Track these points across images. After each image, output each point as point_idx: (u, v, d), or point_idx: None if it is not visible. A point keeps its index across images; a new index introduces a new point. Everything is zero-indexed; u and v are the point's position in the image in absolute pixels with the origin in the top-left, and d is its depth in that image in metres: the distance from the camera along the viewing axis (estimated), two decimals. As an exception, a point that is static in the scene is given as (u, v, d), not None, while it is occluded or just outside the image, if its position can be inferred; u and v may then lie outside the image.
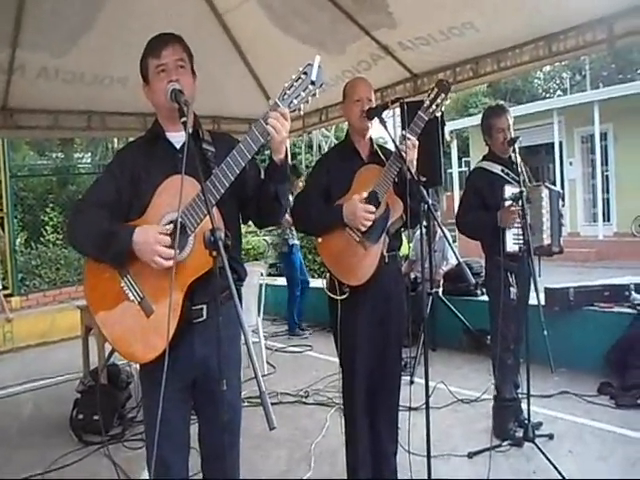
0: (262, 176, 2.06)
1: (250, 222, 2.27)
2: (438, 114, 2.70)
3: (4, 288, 8.26)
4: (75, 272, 9.44)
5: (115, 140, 11.32)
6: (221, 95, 5.79)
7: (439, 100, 2.65)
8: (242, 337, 2.10)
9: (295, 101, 1.85)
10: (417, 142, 2.63)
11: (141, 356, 1.89)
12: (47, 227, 10.20)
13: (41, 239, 10.17)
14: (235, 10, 4.79)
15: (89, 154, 13.61)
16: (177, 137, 2.03)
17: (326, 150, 18.44)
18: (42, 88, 4.91)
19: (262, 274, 5.67)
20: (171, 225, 1.83)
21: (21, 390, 5.49)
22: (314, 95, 1.85)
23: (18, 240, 9.68)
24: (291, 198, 6.83)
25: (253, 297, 5.45)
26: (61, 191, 11.57)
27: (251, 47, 5.37)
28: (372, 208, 2.64)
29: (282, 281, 8.17)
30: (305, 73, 1.83)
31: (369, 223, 2.64)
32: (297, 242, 7.09)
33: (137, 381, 4.08)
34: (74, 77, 4.89)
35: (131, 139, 10.25)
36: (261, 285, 5.61)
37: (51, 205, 10.59)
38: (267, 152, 2.02)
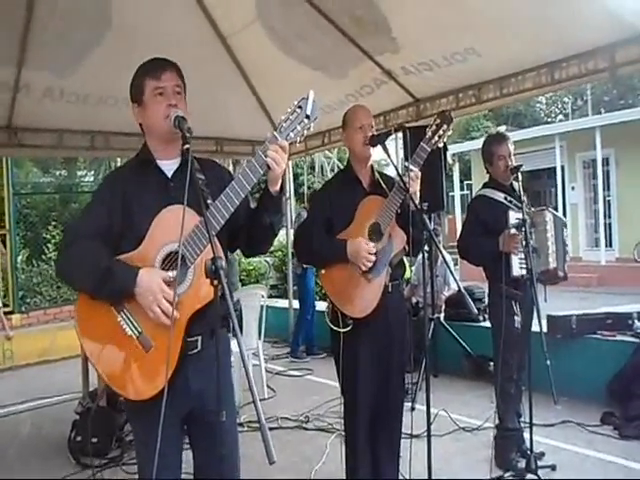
0: (251, 205, 2.06)
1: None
2: (440, 145, 2.70)
3: (5, 305, 8.24)
4: (76, 291, 9.41)
5: (118, 160, 11.37)
6: (224, 117, 5.86)
7: (441, 131, 2.67)
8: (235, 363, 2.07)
9: (292, 134, 1.86)
10: (420, 173, 2.65)
11: (140, 393, 1.82)
12: (49, 245, 10.16)
13: (42, 257, 10.13)
14: (239, 33, 4.85)
15: (92, 172, 13.64)
16: (168, 165, 2.01)
17: (328, 171, 18.61)
18: (47, 108, 4.96)
19: (263, 296, 5.65)
20: (174, 272, 1.79)
21: (20, 409, 5.45)
22: (309, 129, 1.88)
23: (20, 257, 9.66)
24: (305, 214, 6.88)
25: (254, 320, 5.42)
26: (64, 209, 11.57)
27: (254, 69, 5.43)
28: (374, 250, 2.67)
29: (283, 303, 8.15)
30: (300, 107, 1.84)
31: (370, 264, 2.67)
32: None
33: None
34: (78, 98, 4.94)
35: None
36: (262, 307, 5.59)
37: (53, 223, 10.55)
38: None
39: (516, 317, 3.41)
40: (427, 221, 2.42)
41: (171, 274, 1.81)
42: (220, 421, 1.64)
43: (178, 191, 1.82)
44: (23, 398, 5.68)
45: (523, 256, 3.32)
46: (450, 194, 16.98)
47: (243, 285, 10.14)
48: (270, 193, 1.94)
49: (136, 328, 1.84)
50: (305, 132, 1.88)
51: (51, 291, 9.63)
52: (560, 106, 27.40)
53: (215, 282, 1.56)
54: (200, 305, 1.82)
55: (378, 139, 2.74)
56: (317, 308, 7.17)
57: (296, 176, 18.28)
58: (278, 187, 1.94)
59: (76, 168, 13.11)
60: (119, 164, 11.57)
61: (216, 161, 2.31)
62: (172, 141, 1.96)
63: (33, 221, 10.88)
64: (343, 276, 2.73)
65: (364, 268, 2.67)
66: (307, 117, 1.84)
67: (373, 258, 2.66)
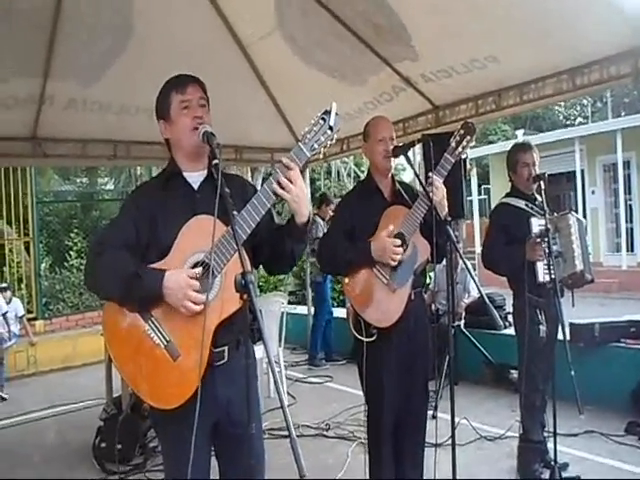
0: (275, 220, 2.08)
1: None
2: (464, 156, 2.71)
3: (28, 312, 8.38)
4: (104, 300, 9.51)
5: (139, 168, 11.47)
6: (243, 124, 5.90)
7: (465, 142, 2.68)
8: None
9: (316, 145, 1.88)
10: (442, 185, 2.65)
11: (168, 402, 1.84)
12: (71, 252, 10.31)
13: (65, 264, 10.28)
14: (259, 42, 4.90)
15: (113, 180, 13.80)
16: (194, 177, 2.04)
17: (344, 177, 18.61)
18: (70, 118, 5.05)
19: (283, 303, 5.68)
20: (200, 269, 1.84)
21: (44, 415, 5.54)
22: (332, 140, 1.89)
23: (43, 265, 9.81)
24: (319, 220, 6.93)
25: (274, 326, 5.45)
26: (85, 216, 11.72)
27: (274, 77, 5.47)
28: (399, 242, 2.66)
29: (302, 309, 8.17)
30: (323, 119, 1.87)
31: (399, 257, 2.66)
32: None
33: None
34: (101, 107, 5.02)
35: (154, 168, 10.31)
36: (282, 313, 5.62)
37: (75, 230, 10.70)
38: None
39: (541, 326, 3.36)
40: (451, 232, 2.43)
41: (197, 270, 1.84)
42: (249, 433, 1.66)
43: (204, 203, 1.86)
44: (47, 404, 5.79)
45: (547, 262, 3.29)
46: (468, 199, 16.88)
47: (262, 291, 10.18)
48: (295, 222, 1.95)
49: (164, 337, 1.86)
50: (329, 143, 1.90)
51: (73, 298, 9.77)
52: (579, 109, 27.14)
53: (245, 296, 1.58)
54: (226, 314, 1.83)
55: (401, 150, 2.76)
56: (335, 315, 7.25)
57: (312, 181, 18.30)
58: (305, 219, 1.94)
59: (97, 176, 13.28)
60: (139, 172, 11.72)
61: (242, 176, 2.34)
62: (198, 154, 2.00)
63: (55, 229, 11.04)
64: (367, 285, 2.74)
65: (392, 263, 2.65)
66: (330, 128, 1.86)
67: (400, 250, 2.65)
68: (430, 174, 2.65)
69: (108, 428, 4.24)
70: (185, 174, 2.04)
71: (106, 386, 4.79)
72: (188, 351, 1.83)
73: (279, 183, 1.84)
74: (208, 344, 1.82)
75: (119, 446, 4.05)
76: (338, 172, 19.49)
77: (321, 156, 2.00)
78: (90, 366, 7.17)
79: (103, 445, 4.17)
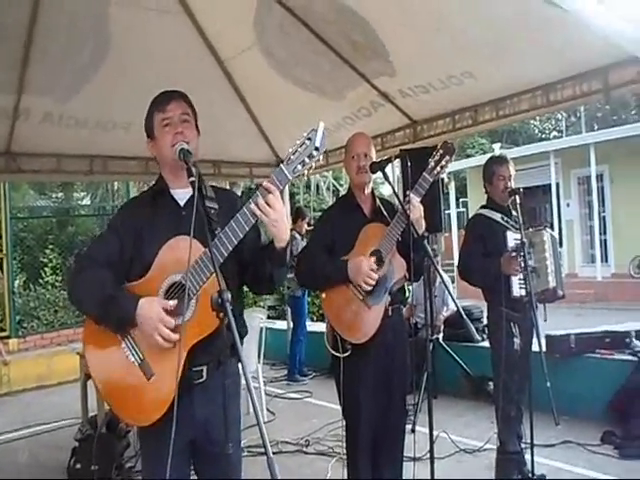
0: (262, 238, 2.08)
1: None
2: (442, 175, 2.74)
3: (1, 330, 8.21)
4: (73, 315, 9.31)
5: (115, 183, 11.32)
6: (222, 139, 5.86)
7: (444, 162, 2.70)
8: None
9: (299, 167, 1.79)
10: (420, 204, 2.67)
11: (141, 419, 1.86)
12: (46, 268, 10.09)
13: (40, 281, 10.05)
14: (237, 57, 4.90)
15: (89, 195, 13.59)
16: (181, 193, 2.04)
17: (323, 190, 18.66)
18: (45, 132, 4.98)
19: (262, 318, 5.64)
20: (175, 301, 1.84)
21: (17, 436, 5.40)
22: (318, 161, 1.82)
23: (17, 282, 9.60)
24: (297, 236, 6.87)
25: (254, 342, 5.40)
26: (61, 232, 11.48)
27: (252, 92, 5.48)
28: (375, 268, 2.67)
29: (281, 324, 8.13)
30: (309, 139, 1.79)
31: (372, 282, 2.66)
32: None
33: (135, 430, 4.00)
34: (77, 122, 4.96)
35: (131, 183, 10.14)
36: (261, 329, 5.58)
37: (50, 246, 10.47)
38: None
39: (515, 339, 3.40)
40: (429, 248, 2.45)
41: (171, 303, 1.83)
42: (226, 453, 1.64)
43: (190, 220, 1.82)
44: (20, 425, 5.65)
45: (522, 277, 3.33)
46: (446, 212, 17.02)
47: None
48: (275, 246, 1.91)
49: (139, 355, 1.87)
50: (314, 164, 1.82)
51: (48, 315, 9.55)
52: (554, 123, 27.60)
53: (221, 315, 1.57)
54: (202, 335, 1.82)
55: (378, 166, 2.78)
56: (309, 329, 7.26)
57: (292, 195, 18.32)
58: (284, 244, 1.90)
59: (73, 191, 13.05)
60: (116, 187, 11.58)
61: (232, 190, 2.33)
62: (181, 170, 1.97)
63: (30, 245, 10.78)
64: (343, 301, 2.75)
65: (365, 287, 2.66)
66: (316, 149, 1.77)
67: (375, 276, 2.66)
68: (408, 192, 2.67)
69: (83, 449, 4.14)
70: (172, 191, 2.06)
71: (82, 405, 4.69)
72: (163, 370, 1.83)
73: (258, 206, 1.81)
74: (182, 363, 1.80)
75: (95, 467, 3.97)
76: (317, 186, 19.51)
77: (305, 178, 1.97)
78: (65, 385, 7.02)
79: (78, 466, 4.06)
